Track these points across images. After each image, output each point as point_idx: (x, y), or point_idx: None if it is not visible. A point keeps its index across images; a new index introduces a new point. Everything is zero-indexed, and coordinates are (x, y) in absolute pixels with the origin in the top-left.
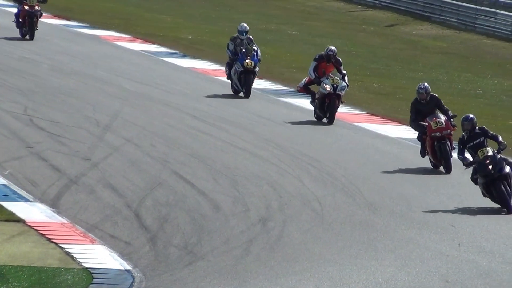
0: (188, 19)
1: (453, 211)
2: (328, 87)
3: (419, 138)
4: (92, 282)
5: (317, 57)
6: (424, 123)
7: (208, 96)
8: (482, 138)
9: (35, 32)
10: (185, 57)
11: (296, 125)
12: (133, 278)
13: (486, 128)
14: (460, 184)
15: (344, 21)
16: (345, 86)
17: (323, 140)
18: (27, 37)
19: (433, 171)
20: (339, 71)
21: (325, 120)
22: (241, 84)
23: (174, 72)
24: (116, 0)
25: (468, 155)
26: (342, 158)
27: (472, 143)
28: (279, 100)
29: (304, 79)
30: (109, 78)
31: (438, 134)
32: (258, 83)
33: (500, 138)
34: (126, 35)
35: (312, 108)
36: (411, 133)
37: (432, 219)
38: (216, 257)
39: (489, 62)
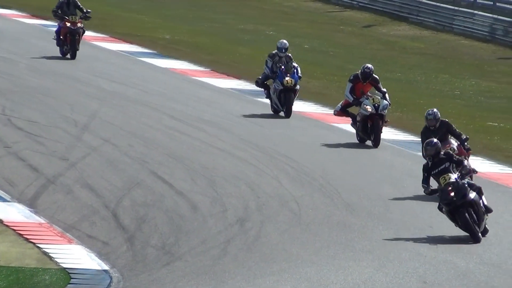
0: (166, 19)
1: (431, 212)
2: (369, 108)
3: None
4: (70, 282)
5: (351, 78)
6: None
7: (186, 96)
8: (447, 164)
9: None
10: (162, 57)
11: (274, 125)
12: (111, 278)
13: (451, 153)
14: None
15: (321, 22)
16: (387, 104)
17: (301, 140)
18: (68, 56)
19: (411, 172)
20: (378, 90)
21: (369, 143)
22: (281, 103)
23: (151, 72)
24: (93, 0)
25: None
26: (320, 158)
27: (436, 170)
28: (257, 100)
29: (341, 102)
30: (87, 78)
31: None
32: (236, 84)
33: (465, 162)
34: (104, 35)
35: (353, 130)
36: (389, 134)
37: (410, 220)
38: (194, 257)
39: (467, 63)
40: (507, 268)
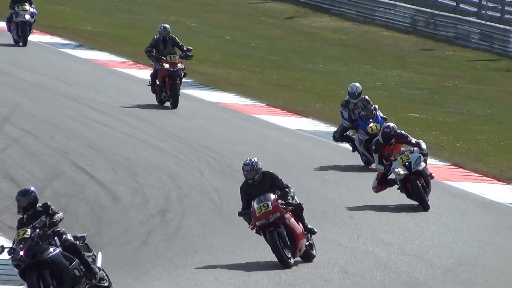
0: (88, 11)
1: (352, 203)
2: (401, 171)
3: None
4: None
5: (374, 148)
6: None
7: (107, 88)
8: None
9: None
10: (84, 49)
11: (196, 117)
12: None
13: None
14: (359, 177)
15: (243, 13)
16: (419, 157)
17: (223, 131)
18: (169, 104)
19: (332, 164)
20: (409, 143)
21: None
22: (370, 153)
23: (73, 64)
24: None
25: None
26: (241, 150)
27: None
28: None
29: (375, 177)
30: (8, 70)
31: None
32: None
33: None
34: None
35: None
36: (310, 125)
37: (331, 211)
38: (115, 248)
39: (388, 54)
40: (428, 258)
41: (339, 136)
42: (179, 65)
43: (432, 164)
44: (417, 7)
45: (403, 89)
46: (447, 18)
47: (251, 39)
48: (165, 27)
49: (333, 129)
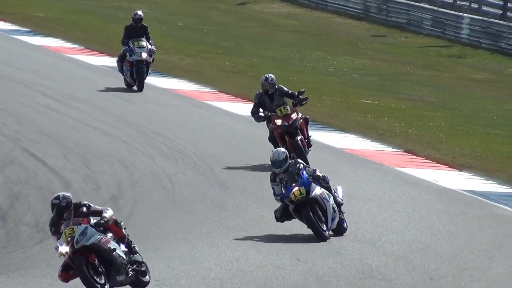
0: None
1: None
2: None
3: None
4: None
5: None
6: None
7: (59, 74)
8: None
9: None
10: (36, 35)
11: (148, 103)
12: None
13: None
14: (311, 162)
15: None
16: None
17: (175, 118)
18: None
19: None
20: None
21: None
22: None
23: (25, 50)
24: None
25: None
26: (193, 136)
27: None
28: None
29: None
30: None
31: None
32: (109, 61)
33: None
34: None
35: None
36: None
37: None
38: None
39: (341, 40)
40: (380, 245)
41: (281, 216)
42: (293, 116)
43: (385, 151)
44: None
45: (355, 75)
46: (399, 4)
47: (203, 25)
48: (266, 78)
49: None
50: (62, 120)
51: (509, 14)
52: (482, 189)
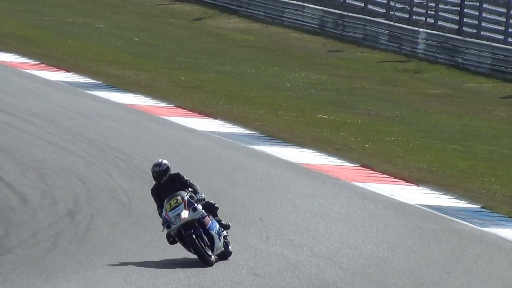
0: None
1: (261, 205)
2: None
3: None
4: None
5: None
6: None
7: (16, 89)
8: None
9: None
10: None
11: (104, 118)
12: None
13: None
14: (267, 178)
15: (151, 14)
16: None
17: (131, 133)
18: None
19: (240, 165)
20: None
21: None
22: None
23: None
24: None
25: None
26: (150, 151)
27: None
28: (87, 93)
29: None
30: None
31: None
32: (65, 76)
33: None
34: None
35: None
36: (220, 127)
37: (240, 212)
38: (24, 250)
39: (297, 55)
40: (338, 260)
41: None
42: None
43: (342, 165)
44: (325, 8)
45: (311, 90)
46: (355, 19)
47: (159, 40)
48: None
49: (241, 130)
50: (19, 135)
51: (465, 28)
52: (439, 203)
